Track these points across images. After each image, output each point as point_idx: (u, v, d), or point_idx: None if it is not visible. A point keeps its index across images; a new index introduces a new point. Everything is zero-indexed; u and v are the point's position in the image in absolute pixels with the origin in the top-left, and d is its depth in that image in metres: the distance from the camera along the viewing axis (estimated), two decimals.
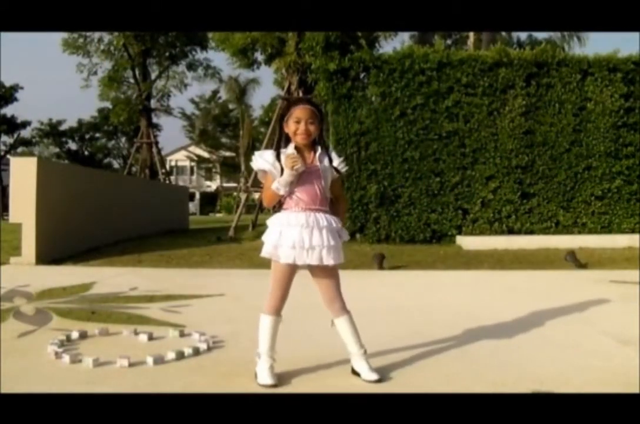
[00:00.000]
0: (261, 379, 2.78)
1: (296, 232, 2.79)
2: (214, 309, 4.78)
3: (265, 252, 2.94)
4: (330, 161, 2.88)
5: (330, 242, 2.79)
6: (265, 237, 2.95)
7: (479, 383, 2.83)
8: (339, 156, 2.97)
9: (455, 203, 10.13)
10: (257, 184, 15.98)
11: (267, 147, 15.94)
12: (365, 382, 2.82)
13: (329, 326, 2.97)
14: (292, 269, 2.87)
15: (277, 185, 2.77)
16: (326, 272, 2.87)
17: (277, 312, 2.91)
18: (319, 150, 2.87)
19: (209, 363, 3.18)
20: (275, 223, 2.90)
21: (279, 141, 2.93)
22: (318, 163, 2.85)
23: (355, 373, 2.90)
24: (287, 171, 2.74)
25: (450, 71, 10.15)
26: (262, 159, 2.85)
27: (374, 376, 2.81)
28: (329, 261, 2.80)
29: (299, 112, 2.80)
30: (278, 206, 2.91)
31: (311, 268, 2.89)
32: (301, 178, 2.79)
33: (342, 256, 2.87)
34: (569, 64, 10.21)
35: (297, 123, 2.79)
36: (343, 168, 2.92)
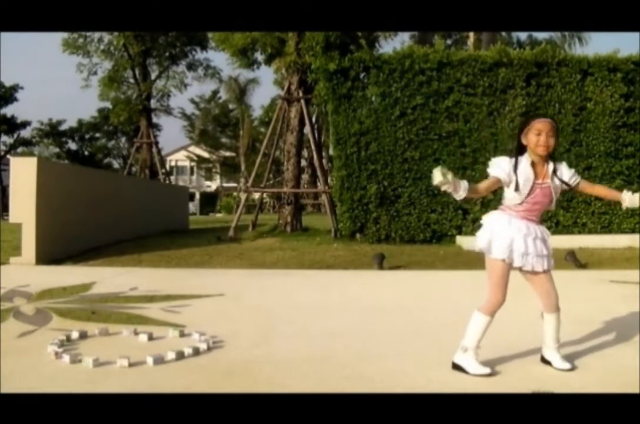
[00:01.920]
0: (477, 370, 2.93)
1: (516, 238, 2.99)
2: (214, 309, 4.78)
3: (482, 245, 3.16)
4: (560, 175, 3.03)
5: (544, 252, 3.03)
6: (481, 233, 3.17)
7: (479, 383, 2.83)
8: (569, 168, 3.10)
9: (455, 203, 10.13)
10: (257, 184, 15.99)
11: (267, 148, 15.95)
12: (363, 383, 2.82)
13: (539, 316, 3.21)
14: (509, 269, 3.07)
15: (456, 192, 2.91)
16: (541, 278, 3.12)
17: (494, 313, 3.11)
18: (551, 166, 3.02)
19: (209, 363, 3.18)
20: (496, 222, 3.10)
21: (516, 151, 3.11)
22: (549, 179, 3.01)
23: (546, 361, 3.10)
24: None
25: (450, 71, 10.15)
26: (498, 167, 3.03)
27: (567, 365, 3.02)
28: (538, 268, 3.06)
29: (541, 125, 2.98)
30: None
31: (524, 272, 3.15)
32: (533, 195, 2.97)
33: (552, 263, 3.09)
34: (569, 64, 10.21)
35: (538, 135, 2.97)
36: (574, 180, 3.08)
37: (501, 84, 10.13)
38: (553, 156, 3.06)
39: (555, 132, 2.99)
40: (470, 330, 3.05)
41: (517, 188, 2.94)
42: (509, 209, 3.05)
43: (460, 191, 2.88)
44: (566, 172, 3.06)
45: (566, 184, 3.05)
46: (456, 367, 3.02)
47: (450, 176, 2.80)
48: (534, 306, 4.73)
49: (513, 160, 3.03)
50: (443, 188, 2.83)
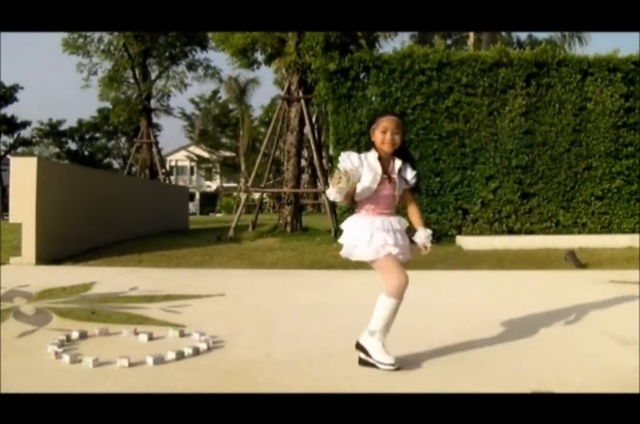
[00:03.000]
0: (383, 359, 2.99)
1: (380, 234, 3.08)
2: (214, 309, 4.78)
3: (357, 256, 3.18)
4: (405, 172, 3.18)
5: (399, 242, 3.14)
6: (345, 240, 3.18)
7: (479, 383, 2.83)
8: (414, 169, 3.22)
9: (455, 203, 10.13)
10: (257, 184, 15.99)
11: (267, 148, 15.94)
12: (363, 383, 2.82)
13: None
14: (394, 257, 3.14)
15: (330, 191, 3.02)
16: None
17: (402, 296, 3.18)
18: (398, 162, 3.15)
19: (209, 363, 3.18)
20: (352, 226, 3.17)
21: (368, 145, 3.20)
22: (395, 174, 3.14)
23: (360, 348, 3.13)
24: (332, 186, 3.00)
25: (450, 71, 10.15)
26: (349, 160, 3.11)
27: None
28: (403, 256, 3.19)
29: (386, 122, 3.08)
30: (351, 206, 3.22)
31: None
32: (379, 186, 3.08)
33: (409, 254, 3.23)
34: (569, 64, 10.21)
35: (384, 133, 3.07)
36: (412, 180, 3.20)
37: (501, 84, 10.13)
38: (404, 154, 3.19)
39: (400, 130, 3.10)
40: (376, 314, 3.12)
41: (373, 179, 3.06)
42: (364, 211, 3.15)
43: (342, 195, 3.01)
44: (409, 173, 3.19)
45: (406, 182, 3.18)
46: (359, 348, 3.10)
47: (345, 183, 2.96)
48: (534, 308, 4.74)
49: (363, 155, 3.14)
50: (334, 189, 2.98)
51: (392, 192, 3.15)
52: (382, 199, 3.13)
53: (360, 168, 3.07)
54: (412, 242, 3.28)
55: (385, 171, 3.11)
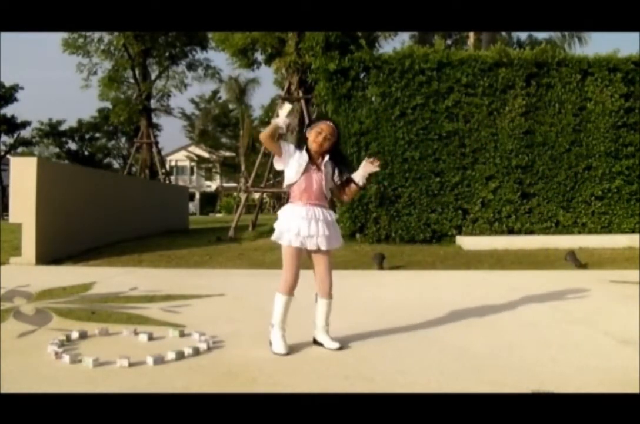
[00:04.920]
0: (275, 348, 3.31)
1: (299, 223, 3.30)
2: (214, 309, 4.78)
3: (273, 237, 3.41)
4: (341, 170, 3.44)
5: (325, 232, 3.33)
6: (275, 225, 3.43)
7: (479, 383, 2.83)
8: (346, 168, 3.48)
9: (455, 203, 10.13)
10: (257, 184, 15.98)
11: (266, 148, 15.92)
12: (363, 383, 2.82)
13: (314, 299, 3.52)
14: (297, 252, 3.34)
15: (275, 122, 3.28)
16: (320, 257, 3.41)
17: (290, 292, 3.38)
18: (327, 157, 3.40)
19: (209, 363, 3.18)
20: (282, 214, 3.42)
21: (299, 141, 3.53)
22: (323, 167, 3.39)
23: (317, 343, 3.47)
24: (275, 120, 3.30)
25: (450, 71, 10.15)
26: (288, 143, 3.44)
27: (336, 345, 3.39)
28: (323, 246, 3.35)
29: (324, 126, 3.37)
30: (286, 199, 3.60)
31: (309, 252, 3.41)
32: (306, 177, 3.34)
33: (336, 243, 3.42)
34: (569, 64, 10.21)
35: (319, 133, 3.34)
36: (340, 177, 3.45)
37: (501, 84, 10.13)
38: (337, 156, 3.45)
39: (334, 136, 3.37)
40: (274, 309, 3.40)
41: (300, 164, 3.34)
42: (295, 200, 3.38)
43: (281, 123, 3.29)
44: (340, 168, 3.44)
45: (334, 174, 3.42)
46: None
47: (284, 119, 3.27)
48: (533, 308, 4.74)
49: (301, 150, 3.40)
50: (279, 121, 3.27)
51: (320, 183, 3.35)
52: (310, 189, 3.35)
53: (292, 153, 3.37)
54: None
55: (312, 161, 3.36)
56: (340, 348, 3.38)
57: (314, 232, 3.29)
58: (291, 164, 3.38)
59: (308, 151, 3.39)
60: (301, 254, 3.37)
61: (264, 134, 3.32)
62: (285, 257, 3.37)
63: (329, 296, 3.46)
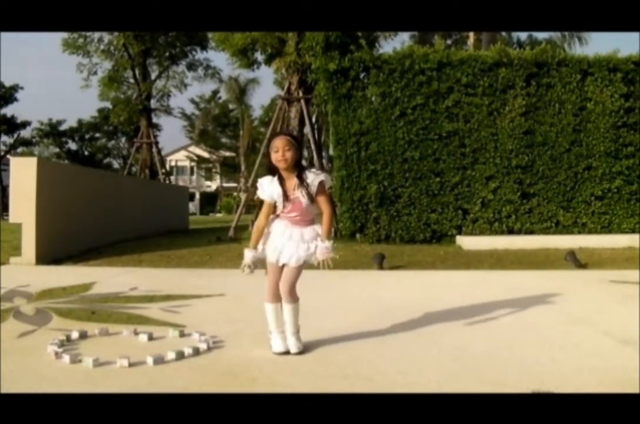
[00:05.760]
0: (274, 348, 3.37)
1: (277, 241, 3.38)
2: (214, 309, 4.78)
3: (260, 250, 3.47)
4: (307, 186, 3.34)
5: (291, 251, 3.35)
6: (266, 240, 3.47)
7: (479, 383, 2.83)
8: (318, 176, 3.37)
9: (455, 203, 10.13)
10: (257, 184, 15.98)
11: (266, 148, 15.93)
12: (363, 383, 2.82)
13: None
14: (276, 266, 3.43)
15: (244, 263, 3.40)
16: (288, 269, 3.41)
17: (272, 300, 3.44)
18: (295, 179, 3.33)
19: (209, 363, 3.18)
20: (269, 229, 3.45)
21: (269, 171, 3.47)
22: (297, 191, 3.33)
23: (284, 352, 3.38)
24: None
25: (450, 71, 10.15)
26: (262, 190, 3.44)
27: (296, 350, 3.35)
28: (291, 262, 3.36)
29: (277, 141, 3.30)
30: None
31: (283, 265, 3.44)
32: (287, 202, 3.34)
33: (305, 260, 3.38)
34: (569, 64, 10.21)
35: (277, 152, 3.29)
36: (318, 188, 3.35)
37: (501, 84, 10.14)
38: (300, 166, 3.37)
39: (292, 146, 3.29)
40: (266, 318, 3.47)
41: (279, 201, 3.36)
42: (280, 215, 3.42)
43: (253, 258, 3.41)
44: (310, 176, 3.34)
45: (309, 194, 3.33)
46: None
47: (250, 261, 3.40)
48: (533, 308, 4.74)
49: (272, 178, 3.40)
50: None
51: (299, 209, 3.35)
52: (289, 214, 3.37)
53: (273, 192, 3.37)
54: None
55: (285, 191, 3.34)
56: (300, 352, 3.36)
57: (287, 252, 3.35)
58: (274, 191, 3.39)
59: (280, 175, 3.36)
60: (277, 266, 3.42)
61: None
62: (267, 271, 3.48)
63: (292, 301, 3.43)
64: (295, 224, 3.38)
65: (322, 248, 3.34)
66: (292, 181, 3.34)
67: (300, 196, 3.32)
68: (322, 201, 3.39)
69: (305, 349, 3.41)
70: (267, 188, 3.41)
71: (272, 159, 3.34)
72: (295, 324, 3.44)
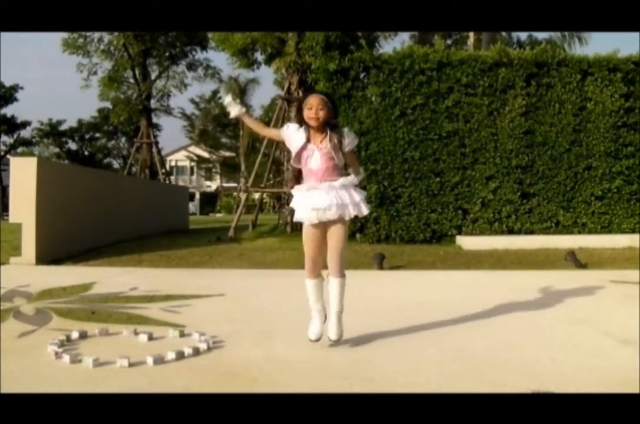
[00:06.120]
0: (308, 333, 3.38)
1: (312, 195, 3.30)
2: (214, 309, 4.78)
3: (295, 218, 3.46)
4: (340, 141, 3.34)
5: (338, 201, 3.28)
6: (292, 205, 3.46)
7: (479, 383, 2.83)
8: (349, 134, 3.40)
9: (455, 203, 10.13)
10: (257, 184, 15.99)
11: (267, 148, 15.93)
12: (363, 383, 2.82)
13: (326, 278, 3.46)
14: (316, 229, 3.35)
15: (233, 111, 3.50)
16: (332, 230, 3.34)
17: (315, 275, 3.40)
18: (328, 132, 3.34)
19: (209, 363, 3.18)
20: (295, 191, 3.44)
21: (300, 123, 3.46)
22: (327, 143, 3.33)
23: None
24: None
25: (450, 71, 10.15)
26: (287, 127, 3.48)
27: (334, 336, 3.36)
28: (337, 215, 3.29)
29: (312, 99, 3.32)
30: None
31: (326, 226, 3.36)
32: (313, 155, 3.32)
33: (354, 212, 3.32)
34: (569, 64, 10.21)
35: (310, 109, 3.29)
36: (349, 145, 3.37)
37: (501, 84, 10.14)
38: (333, 126, 3.38)
39: (325, 105, 3.30)
40: (307, 295, 3.44)
41: (293, 152, 3.37)
42: (305, 179, 3.42)
43: (236, 110, 3.48)
44: (346, 137, 3.37)
45: (341, 149, 3.34)
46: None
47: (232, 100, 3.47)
48: (533, 308, 4.74)
49: (300, 129, 3.39)
50: (228, 107, 3.48)
51: (327, 160, 3.33)
52: (317, 169, 3.33)
53: (293, 136, 3.38)
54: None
55: (314, 142, 3.34)
56: (336, 341, 3.37)
57: (328, 202, 3.26)
58: (294, 142, 3.39)
59: (309, 130, 3.37)
60: (319, 233, 3.36)
61: (258, 131, 3.63)
62: (304, 239, 3.42)
63: (339, 274, 3.36)
64: (323, 179, 3.31)
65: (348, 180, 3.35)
66: (320, 136, 3.35)
67: (330, 149, 3.32)
68: (351, 157, 3.43)
69: (308, 348, 3.41)
70: (293, 132, 3.41)
71: (304, 116, 3.35)
72: (341, 302, 3.37)
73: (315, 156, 3.32)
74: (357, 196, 3.36)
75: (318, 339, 3.34)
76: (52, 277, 6.47)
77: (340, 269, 3.35)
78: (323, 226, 3.36)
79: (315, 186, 3.31)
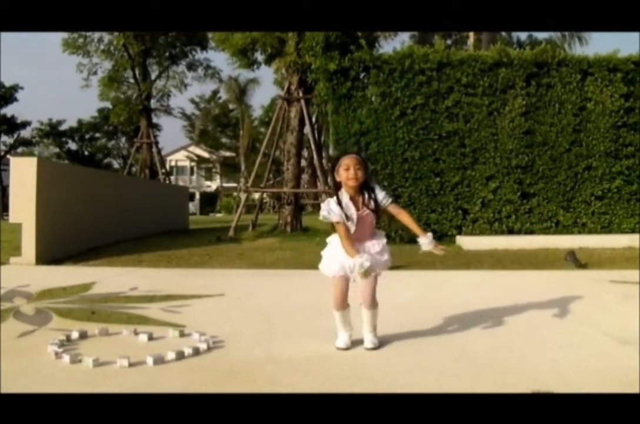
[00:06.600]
0: (337, 343, 3.48)
1: (345, 257, 3.37)
2: (214, 309, 4.78)
3: (320, 267, 3.55)
4: (376, 200, 3.43)
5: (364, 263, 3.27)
6: (323, 253, 3.56)
7: (479, 383, 2.83)
8: (380, 192, 3.47)
9: (455, 203, 10.13)
10: (257, 184, 15.99)
11: (267, 148, 15.93)
12: (363, 383, 2.82)
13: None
14: (342, 278, 3.46)
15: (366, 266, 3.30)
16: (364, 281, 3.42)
17: (342, 307, 3.52)
18: (365, 195, 3.42)
19: (209, 363, 3.18)
20: (331, 243, 3.53)
21: (335, 188, 3.52)
22: (366, 206, 3.42)
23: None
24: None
25: (450, 71, 10.15)
26: (333, 213, 3.39)
27: (369, 345, 3.45)
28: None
29: (348, 160, 3.37)
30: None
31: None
32: (352, 218, 3.38)
33: (382, 267, 3.46)
34: (569, 64, 10.21)
35: (347, 170, 3.35)
36: (386, 200, 3.45)
37: (501, 84, 10.14)
38: (368, 185, 3.45)
39: (362, 165, 3.38)
40: (335, 322, 3.56)
41: (350, 219, 3.38)
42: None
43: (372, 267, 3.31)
44: (379, 197, 3.45)
45: (377, 208, 3.43)
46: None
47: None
48: (533, 308, 4.74)
49: (336, 199, 3.41)
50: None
51: (367, 224, 3.43)
52: (361, 231, 3.42)
53: (342, 212, 3.37)
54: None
55: (357, 207, 3.41)
56: (373, 348, 3.43)
57: (356, 262, 3.30)
58: (343, 211, 3.42)
59: (350, 197, 3.41)
60: (344, 281, 3.47)
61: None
62: (332, 286, 3.51)
63: (371, 306, 3.50)
64: (361, 241, 3.42)
65: (430, 240, 3.39)
66: (359, 198, 3.43)
67: (369, 212, 3.41)
68: (394, 207, 3.50)
69: (308, 348, 3.41)
70: (337, 208, 3.40)
71: (341, 177, 3.39)
72: (374, 323, 3.51)
73: (354, 218, 3.39)
74: (386, 255, 3.47)
75: (347, 348, 3.44)
76: (52, 277, 6.47)
77: (372, 303, 3.47)
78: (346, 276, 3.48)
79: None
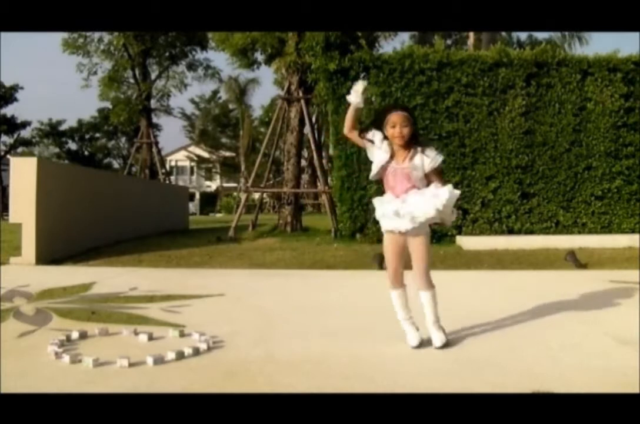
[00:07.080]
0: (407, 340, 3.41)
1: (391, 206, 3.32)
2: (214, 309, 4.78)
3: (382, 228, 3.47)
4: (422, 161, 3.31)
5: (412, 210, 3.24)
6: (376, 216, 3.50)
7: (479, 383, 2.83)
8: (431, 153, 3.34)
9: (455, 203, 10.10)
10: (257, 184, 15.99)
11: (267, 148, 15.92)
12: (363, 383, 2.82)
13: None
14: (393, 239, 3.39)
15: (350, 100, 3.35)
16: (415, 247, 3.40)
17: (397, 285, 3.46)
18: (411, 151, 3.32)
19: (209, 363, 3.18)
20: (377, 203, 3.52)
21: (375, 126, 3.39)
22: (408, 162, 3.31)
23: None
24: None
25: (450, 71, 10.15)
26: (378, 134, 3.35)
27: (437, 343, 3.38)
28: (407, 226, 3.29)
29: (395, 117, 3.27)
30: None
31: (406, 239, 3.39)
32: (394, 173, 3.32)
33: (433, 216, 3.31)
34: (569, 64, 10.20)
35: (393, 128, 3.25)
36: (432, 164, 3.32)
37: (501, 84, 10.13)
38: (418, 141, 3.36)
39: (409, 122, 3.27)
40: (393, 306, 3.49)
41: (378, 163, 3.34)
42: (386, 191, 3.46)
43: (356, 100, 3.32)
44: (426, 158, 3.32)
45: (423, 169, 3.33)
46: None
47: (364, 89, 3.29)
48: (533, 308, 4.74)
49: (384, 142, 3.34)
50: (353, 97, 3.30)
51: (408, 179, 3.31)
52: (397, 186, 3.34)
53: (378, 144, 3.33)
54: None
55: (397, 161, 3.31)
56: (443, 346, 3.38)
57: (407, 211, 3.26)
58: (376, 158, 3.38)
59: (392, 147, 3.34)
60: (397, 243, 3.39)
61: (345, 128, 3.40)
62: (383, 249, 3.45)
63: (426, 287, 3.41)
64: (397, 194, 3.34)
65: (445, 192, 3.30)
66: (403, 153, 3.32)
67: (412, 168, 3.29)
68: (435, 176, 3.36)
69: (308, 348, 3.40)
70: (377, 145, 3.34)
71: (387, 133, 3.30)
72: (435, 313, 3.41)
73: (396, 174, 3.33)
74: (437, 203, 3.28)
75: (420, 345, 3.38)
76: (52, 277, 6.47)
77: (427, 282, 3.42)
78: (403, 238, 3.39)
79: (393, 198, 3.36)
